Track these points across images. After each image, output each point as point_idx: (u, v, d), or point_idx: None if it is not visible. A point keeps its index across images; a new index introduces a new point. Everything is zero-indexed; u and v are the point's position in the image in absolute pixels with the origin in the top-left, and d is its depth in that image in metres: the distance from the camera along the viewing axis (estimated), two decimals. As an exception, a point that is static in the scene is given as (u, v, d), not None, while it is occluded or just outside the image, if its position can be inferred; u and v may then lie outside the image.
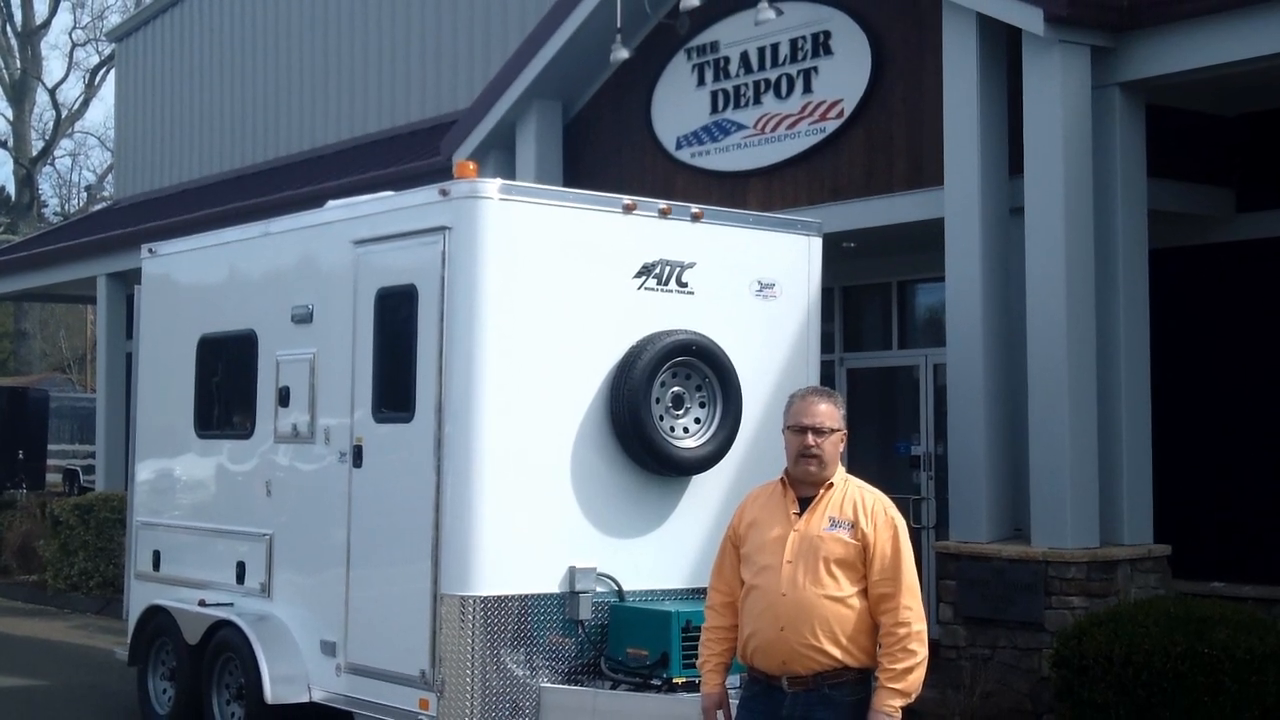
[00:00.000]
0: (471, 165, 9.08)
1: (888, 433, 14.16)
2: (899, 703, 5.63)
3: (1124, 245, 10.82)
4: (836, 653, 5.65)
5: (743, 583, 5.88)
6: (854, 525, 5.73)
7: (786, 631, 5.65)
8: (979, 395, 11.05)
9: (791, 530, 5.73)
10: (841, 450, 5.96)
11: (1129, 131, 10.88)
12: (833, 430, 5.81)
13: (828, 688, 5.66)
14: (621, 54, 13.38)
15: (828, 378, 12.39)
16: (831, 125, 12.57)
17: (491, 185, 8.82)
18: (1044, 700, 10.16)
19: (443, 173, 13.03)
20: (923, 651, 5.69)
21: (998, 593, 10.64)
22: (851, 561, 5.70)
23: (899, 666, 5.63)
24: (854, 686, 5.70)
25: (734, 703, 5.99)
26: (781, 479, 5.88)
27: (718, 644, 5.95)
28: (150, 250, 11.84)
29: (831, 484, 5.81)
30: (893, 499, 14.45)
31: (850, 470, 14.27)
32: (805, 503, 5.81)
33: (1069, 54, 10.58)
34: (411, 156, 17.60)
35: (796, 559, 5.68)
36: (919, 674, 5.68)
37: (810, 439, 5.75)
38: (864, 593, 5.70)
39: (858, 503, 5.79)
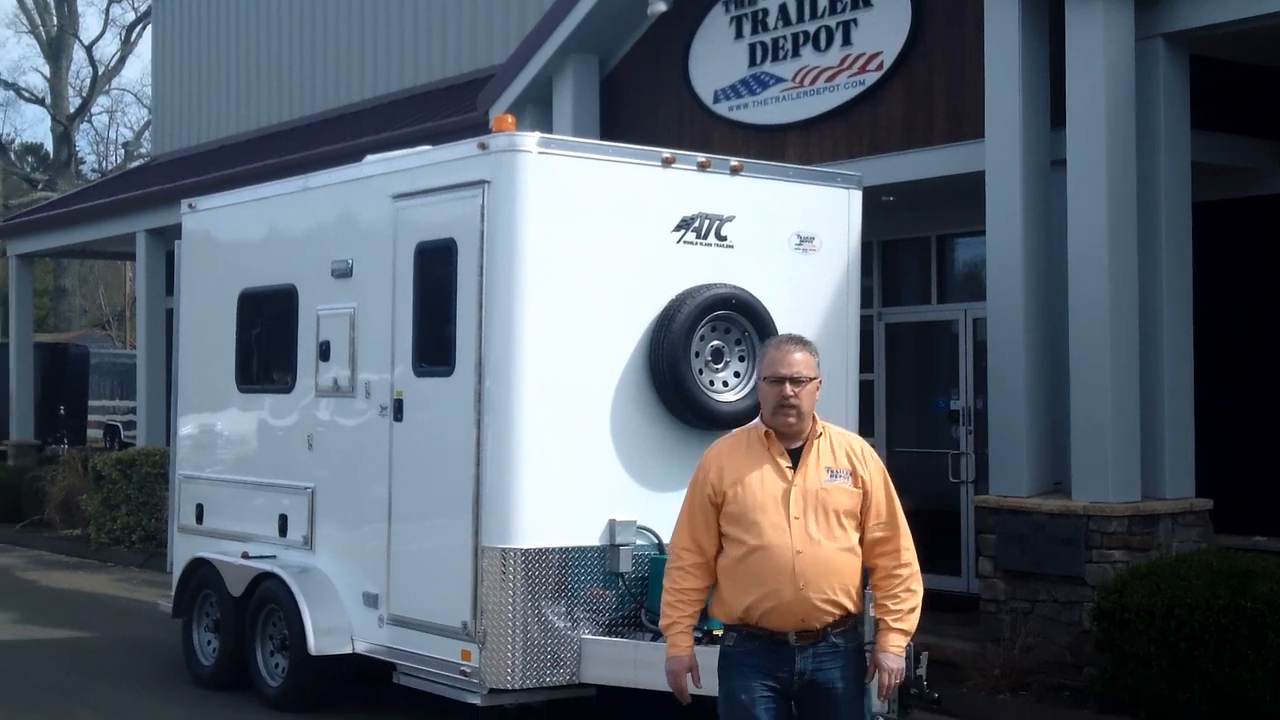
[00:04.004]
0: (510, 119, 9.07)
1: (926, 388, 14.12)
2: (905, 642, 5.64)
3: (1167, 198, 10.74)
4: (846, 603, 5.59)
5: (719, 544, 5.64)
6: (853, 473, 5.62)
7: (807, 589, 5.49)
8: (1019, 349, 11.01)
9: (790, 485, 5.56)
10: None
11: (1172, 83, 10.77)
12: (810, 379, 5.63)
13: (834, 636, 5.59)
14: (659, 7, 13.32)
15: (866, 333, 12.35)
16: (871, 78, 12.49)
17: (530, 139, 8.82)
18: (1084, 653, 10.15)
19: (479, 128, 13.02)
20: (921, 590, 5.72)
21: (1038, 546, 10.62)
22: (855, 511, 5.62)
23: (905, 607, 5.64)
24: (853, 632, 5.67)
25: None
26: (766, 431, 5.64)
27: (688, 605, 5.63)
28: (190, 205, 11.87)
29: (820, 433, 5.66)
30: (932, 454, 14.48)
31: (891, 427, 14.22)
32: (790, 455, 5.64)
33: (1112, 4, 10.47)
34: (448, 112, 17.58)
35: (804, 514, 5.52)
36: (918, 613, 5.70)
37: (788, 389, 5.55)
38: (860, 539, 5.65)
39: (850, 450, 5.67)
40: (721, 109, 13.71)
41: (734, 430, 5.88)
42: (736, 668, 5.60)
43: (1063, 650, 10.40)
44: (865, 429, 11.39)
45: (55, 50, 50.60)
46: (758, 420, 5.72)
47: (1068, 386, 10.70)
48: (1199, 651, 9.04)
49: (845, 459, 5.64)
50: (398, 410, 9.38)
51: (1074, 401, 10.59)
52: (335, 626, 9.67)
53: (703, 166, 9.28)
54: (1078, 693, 9.98)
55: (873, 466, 5.68)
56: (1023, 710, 9.88)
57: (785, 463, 5.59)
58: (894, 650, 5.61)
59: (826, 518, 5.54)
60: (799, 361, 5.61)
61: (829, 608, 5.54)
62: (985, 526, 11.11)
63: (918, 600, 5.69)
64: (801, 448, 5.61)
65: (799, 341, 5.73)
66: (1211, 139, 11.36)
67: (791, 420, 5.57)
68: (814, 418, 5.67)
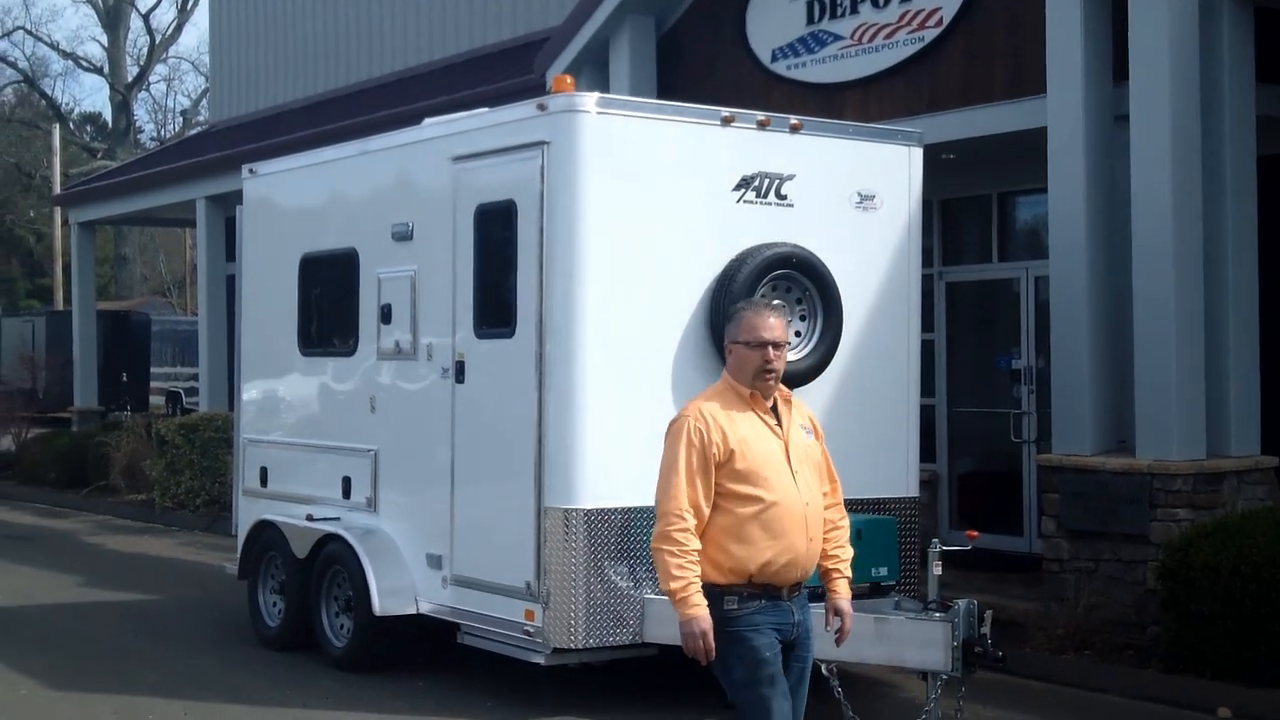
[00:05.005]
0: (569, 79, 9.05)
1: (987, 347, 14.05)
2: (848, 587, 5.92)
3: (1231, 152, 10.62)
4: None
5: (714, 502, 5.62)
6: (813, 430, 5.88)
7: (815, 541, 5.70)
8: (1083, 306, 10.93)
9: (784, 441, 5.70)
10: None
11: (1237, 35, 10.63)
12: (785, 343, 5.82)
13: (803, 586, 5.77)
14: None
15: (926, 292, 12.27)
16: (930, 34, 12.40)
17: (589, 99, 8.80)
18: (1149, 612, 10.09)
19: (536, 90, 13.02)
20: None
21: (1102, 505, 10.56)
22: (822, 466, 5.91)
23: (849, 555, 5.92)
24: None
25: None
26: (751, 392, 5.71)
27: (697, 566, 5.56)
28: (251, 170, 11.92)
29: (785, 394, 5.84)
30: (993, 413, 14.36)
31: (951, 384, 14.14)
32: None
33: (1176, -44, 10.34)
34: (505, 75, 17.57)
35: (800, 469, 5.69)
36: None
37: (771, 353, 5.68)
38: None
39: (805, 409, 5.94)
40: (779, 68, 13.64)
41: (704, 392, 5.90)
42: (752, 629, 5.62)
43: (1127, 609, 10.35)
44: (926, 389, 11.34)
45: (113, 19, 50.95)
46: (726, 381, 5.78)
47: (1131, 344, 10.62)
48: (1265, 609, 8.98)
49: (805, 417, 5.87)
50: (459, 372, 9.41)
51: (1138, 359, 10.51)
52: (399, 587, 9.73)
53: (762, 125, 9.23)
54: (1142, 652, 9.93)
55: (818, 422, 5.96)
56: (1086, 669, 9.85)
57: (772, 421, 5.73)
58: (848, 595, 5.89)
59: (814, 472, 5.78)
60: (776, 326, 5.73)
61: (816, 557, 5.77)
62: (1049, 485, 11.05)
63: (853, 549, 6.00)
64: (775, 407, 5.77)
65: (774, 306, 5.93)
66: (1277, 91, 11.19)
67: (772, 383, 5.73)
68: None
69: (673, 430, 5.70)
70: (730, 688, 5.67)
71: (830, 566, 5.86)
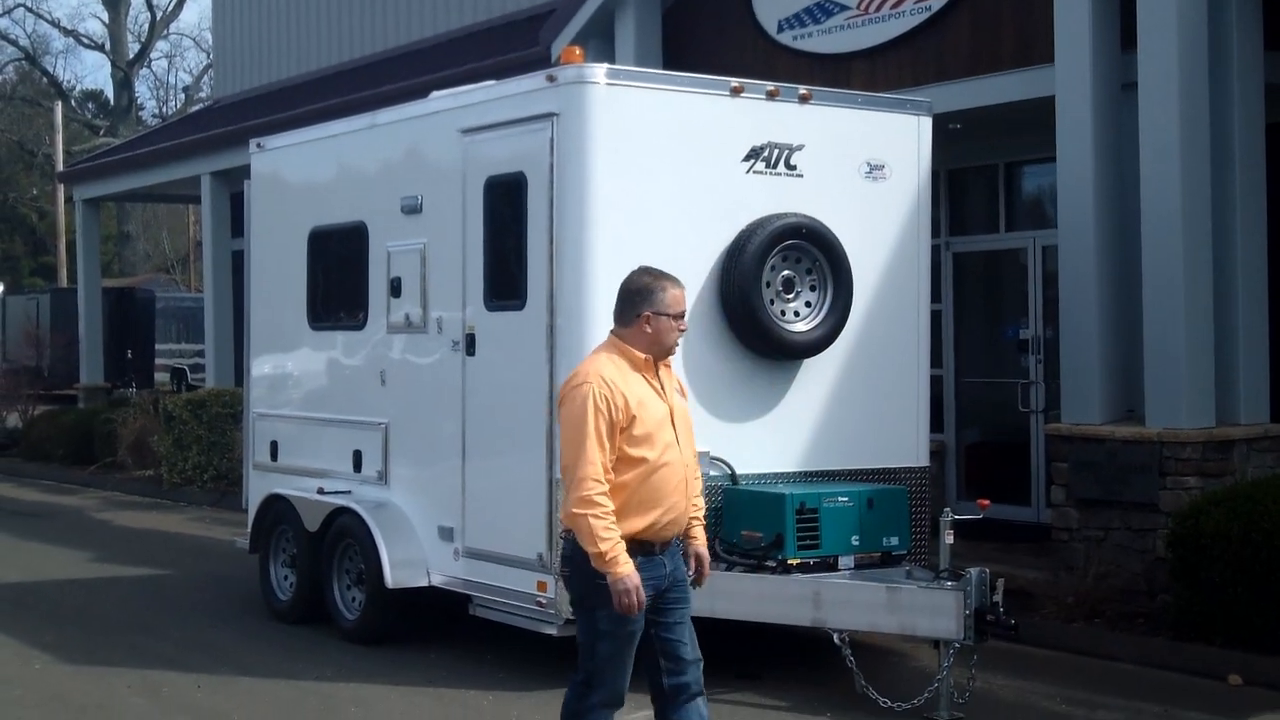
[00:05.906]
0: (578, 51, 9.02)
1: (994, 317, 14.04)
2: None
3: (1240, 120, 10.59)
4: None
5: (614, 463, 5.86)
6: (681, 392, 6.19)
7: (691, 499, 6.05)
8: (1091, 275, 10.92)
9: (668, 405, 6.00)
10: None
11: (1245, 2, 10.59)
12: None
13: (675, 539, 6.05)
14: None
15: (933, 263, 12.26)
16: (937, 3, 12.36)
17: (599, 70, 8.79)
18: (1159, 580, 10.11)
19: (541, 63, 12.98)
20: None
21: (1111, 474, 10.58)
22: None
23: (704, 505, 6.25)
24: None
25: None
26: (645, 357, 5.96)
27: (617, 526, 5.79)
28: (259, 145, 11.90)
29: (669, 360, 6.11)
30: (1001, 383, 14.32)
31: (959, 355, 14.09)
32: None
33: (1183, -77, 10.30)
34: (511, 48, 17.53)
35: (681, 431, 6.00)
36: None
37: (683, 324, 6.06)
38: None
39: (674, 374, 6.18)
40: (785, 39, 13.61)
41: (595, 357, 6.02)
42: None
43: (1136, 578, 10.36)
44: (933, 360, 11.33)
45: (113, -4, 50.73)
46: (617, 346, 5.99)
47: (1139, 312, 10.62)
48: (1275, 576, 8.99)
49: (676, 381, 6.18)
50: (470, 345, 9.42)
51: (1147, 327, 10.51)
52: (411, 560, 9.76)
53: (771, 95, 9.22)
54: (1152, 619, 9.95)
55: (684, 387, 6.28)
56: (1096, 638, 9.86)
57: (658, 385, 6.01)
58: (705, 540, 6.21)
59: (691, 435, 6.10)
60: (683, 299, 6.08)
61: (689, 513, 6.09)
62: (1058, 455, 11.06)
63: (704, 501, 6.32)
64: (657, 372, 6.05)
65: (678, 279, 6.13)
66: (1286, 60, 11.18)
67: (675, 352, 6.08)
68: None
69: (576, 397, 5.86)
70: (590, 635, 5.92)
71: (690, 515, 6.11)
